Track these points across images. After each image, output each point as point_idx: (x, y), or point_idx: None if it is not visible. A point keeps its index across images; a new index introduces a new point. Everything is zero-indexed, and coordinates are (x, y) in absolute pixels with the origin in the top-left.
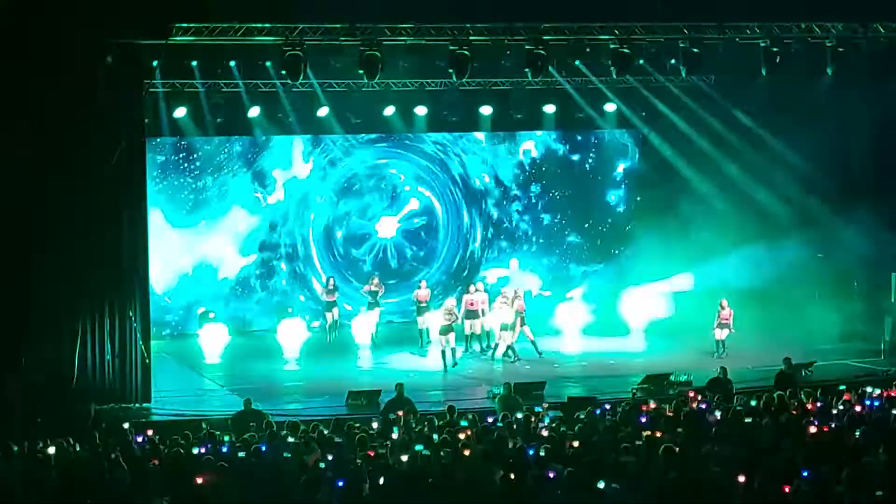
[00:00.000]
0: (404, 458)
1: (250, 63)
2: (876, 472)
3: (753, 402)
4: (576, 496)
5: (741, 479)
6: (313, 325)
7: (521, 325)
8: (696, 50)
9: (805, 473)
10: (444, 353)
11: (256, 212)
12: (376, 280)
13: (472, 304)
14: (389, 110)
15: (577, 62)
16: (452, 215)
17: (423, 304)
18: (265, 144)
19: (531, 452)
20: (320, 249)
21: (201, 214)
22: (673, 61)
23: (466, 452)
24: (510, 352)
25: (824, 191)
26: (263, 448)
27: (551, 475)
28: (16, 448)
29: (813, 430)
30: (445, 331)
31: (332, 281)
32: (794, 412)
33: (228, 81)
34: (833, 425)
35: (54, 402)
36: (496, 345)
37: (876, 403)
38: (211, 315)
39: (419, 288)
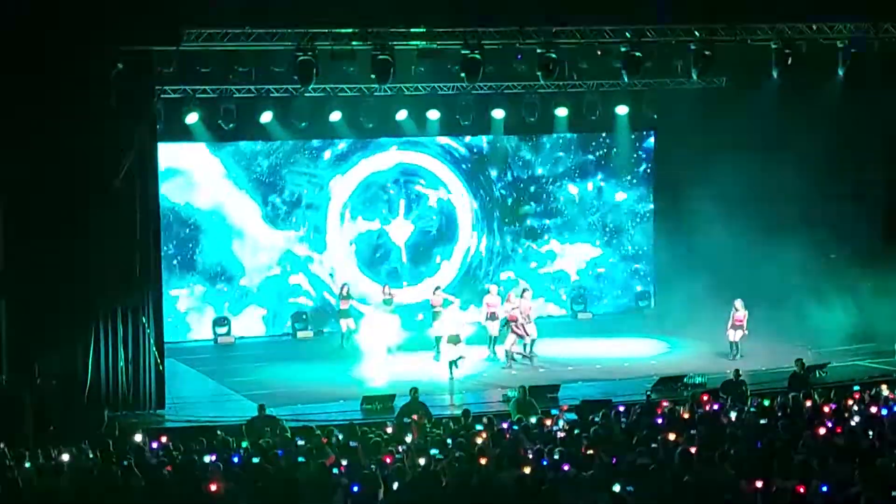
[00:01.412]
0: (419, 462)
1: (262, 68)
2: (891, 473)
3: (767, 403)
4: (591, 499)
5: (758, 484)
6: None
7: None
8: (707, 52)
9: (820, 475)
10: (450, 363)
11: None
12: (387, 288)
13: (490, 307)
14: (402, 114)
15: (588, 65)
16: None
17: (438, 310)
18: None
19: (546, 456)
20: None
21: None
22: (684, 63)
23: (482, 459)
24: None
25: (836, 191)
26: (280, 453)
27: (566, 468)
28: (28, 455)
29: (823, 431)
30: (455, 341)
31: (345, 288)
32: (808, 413)
33: (240, 87)
34: (847, 426)
35: (67, 409)
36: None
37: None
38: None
39: (434, 294)
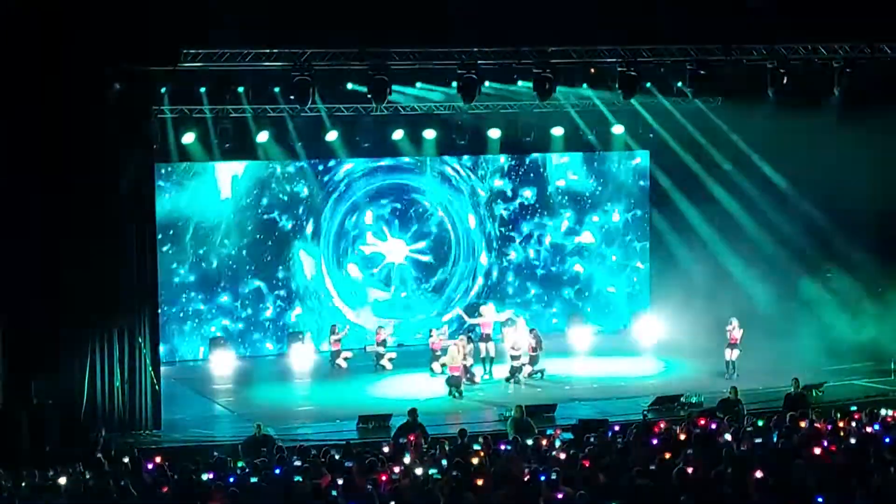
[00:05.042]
0: (416, 481)
1: (258, 88)
2: (889, 494)
3: (760, 423)
4: None
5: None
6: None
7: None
8: (702, 72)
9: (818, 496)
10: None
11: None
12: (381, 331)
13: (484, 327)
14: (398, 134)
15: (584, 85)
16: (462, 238)
17: (438, 353)
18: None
19: (542, 475)
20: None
21: None
22: (680, 83)
23: (479, 480)
24: (538, 374)
25: (831, 210)
26: (277, 471)
27: (560, 496)
28: (25, 475)
29: (818, 450)
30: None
31: (334, 328)
32: (805, 433)
33: (237, 107)
34: (845, 446)
35: (63, 430)
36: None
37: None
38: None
39: (431, 336)
